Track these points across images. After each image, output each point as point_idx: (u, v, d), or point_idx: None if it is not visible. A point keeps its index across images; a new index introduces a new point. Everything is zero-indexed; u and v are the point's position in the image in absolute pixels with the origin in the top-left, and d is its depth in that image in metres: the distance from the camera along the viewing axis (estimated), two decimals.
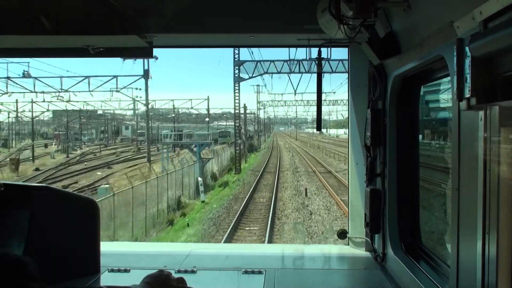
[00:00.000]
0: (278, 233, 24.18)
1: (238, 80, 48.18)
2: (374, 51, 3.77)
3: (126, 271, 4.00)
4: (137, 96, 58.63)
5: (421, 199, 4.07)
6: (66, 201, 3.90)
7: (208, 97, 67.07)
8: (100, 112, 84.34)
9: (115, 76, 51.96)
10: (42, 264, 1.75)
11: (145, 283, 2.04)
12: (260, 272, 4.01)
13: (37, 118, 79.34)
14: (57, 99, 59.38)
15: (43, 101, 61.80)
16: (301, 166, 55.05)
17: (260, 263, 4.22)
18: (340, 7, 3.19)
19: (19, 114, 72.44)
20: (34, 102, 63.75)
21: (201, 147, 47.82)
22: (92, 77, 51.80)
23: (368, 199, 4.26)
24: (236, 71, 47.21)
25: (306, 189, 35.25)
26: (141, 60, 47.35)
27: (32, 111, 68.04)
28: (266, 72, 47.12)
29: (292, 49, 36.33)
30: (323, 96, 69.05)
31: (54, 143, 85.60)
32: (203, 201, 34.77)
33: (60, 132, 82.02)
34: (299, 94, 66.41)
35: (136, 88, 55.41)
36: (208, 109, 68.55)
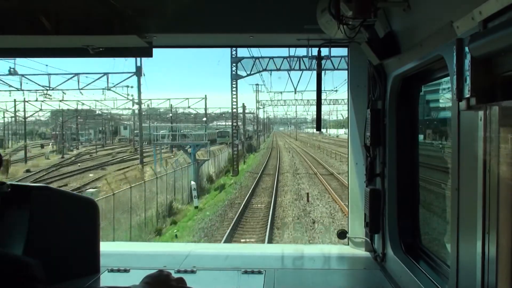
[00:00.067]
0: None
1: (235, 77, 46.36)
2: (373, 51, 3.77)
3: (125, 271, 4.00)
4: (129, 95, 56.35)
5: (420, 199, 4.08)
6: (65, 201, 3.90)
7: (205, 96, 65.19)
8: (98, 112, 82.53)
9: (106, 74, 49.67)
10: (41, 264, 1.75)
11: (144, 283, 2.04)
12: (259, 272, 4.01)
13: (31, 118, 78.11)
14: (45, 98, 57.34)
15: (36, 100, 60.09)
16: (301, 168, 52.99)
17: (259, 263, 4.22)
18: (340, 7, 3.19)
19: (15, 114, 70.86)
20: (27, 101, 62.34)
21: (195, 148, 45.49)
22: (81, 74, 49.38)
23: (367, 199, 4.26)
24: (234, 68, 45.43)
25: (307, 194, 32.91)
26: None
27: (25, 111, 66.35)
28: (265, 69, 45.17)
29: (292, 48, 35.85)
30: (324, 96, 68.19)
31: (51, 144, 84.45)
32: (196, 207, 32.91)
33: (58, 132, 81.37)
34: (299, 92, 64.67)
35: (127, 86, 53.33)
36: (205, 109, 66.98)
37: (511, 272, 2.17)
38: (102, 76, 49.49)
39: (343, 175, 38.39)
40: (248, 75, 45.75)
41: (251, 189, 36.63)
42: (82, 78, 49.08)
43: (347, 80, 4.80)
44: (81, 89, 50.15)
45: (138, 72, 47.00)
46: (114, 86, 50.64)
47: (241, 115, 72.17)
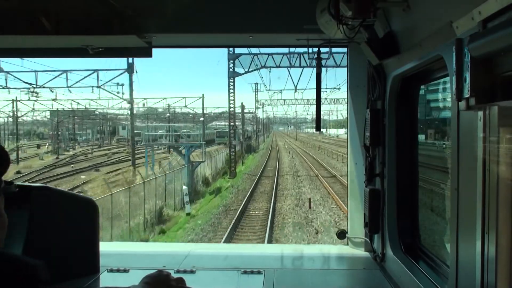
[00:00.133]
0: None
1: (233, 75, 43.81)
2: (373, 51, 3.77)
3: (125, 271, 4.00)
4: (122, 93, 52.12)
5: (420, 199, 4.08)
6: (65, 201, 3.90)
7: (203, 95, 61.53)
8: (96, 112, 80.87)
9: (96, 70, 46.45)
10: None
11: (144, 283, 2.04)
12: (259, 272, 4.01)
13: (28, 118, 76.80)
14: (32, 96, 54.69)
15: (28, 99, 57.71)
16: (302, 169, 50.46)
17: (259, 263, 4.22)
18: (339, 7, 3.19)
19: (13, 114, 68.75)
20: (19, 100, 60.26)
21: (190, 149, 43.14)
22: (70, 71, 46.13)
23: (367, 199, 4.27)
24: (231, 66, 42.94)
25: (309, 199, 30.44)
26: None
27: (16, 110, 64.04)
28: (264, 66, 42.69)
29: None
30: (325, 95, 67.14)
31: (47, 144, 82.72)
32: (188, 214, 30.41)
33: (55, 132, 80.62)
34: (300, 91, 62.90)
35: (118, 84, 48.94)
36: (203, 108, 65.83)
37: (511, 272, 2.17)
38: (92, 73, 46.83)
39: (346, 177, 35.41)
40: (246, 72, 43.55)
41: (248, 193, 34.29)
42: (71, 75, 46.90)
43: (346, 80, 4.81)
44: (70, 87, 47.82)
45: (130, 69, 44.61)
46: (104, 84, 48.08)
47: (240, 115, 71.69)
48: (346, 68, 4.75)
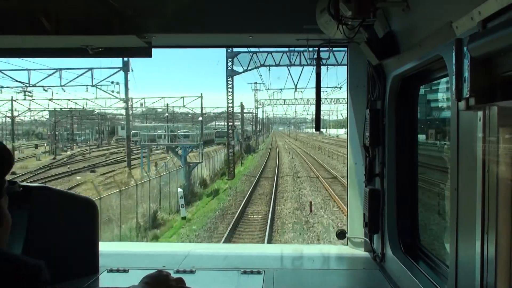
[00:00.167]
0: None
1: (231, 73, 42.53)
2: (373, 51, 3.77)
3: (125, 271, 4.00)
4: (117, 92, 49.68)
5: (419, 199, 4.08)
6: (65, 201, 3.90)
7: (201, 94, 60.96)
8: (96, 111, 79.66)
9: (90, 69, 44.78)
10: None
11: (144, 283, 2.04)
12: (259, 272, 4.01)
13: (26, 118, 75.93)
14: (25, 95, 52.85)
15: (24, 99, 56.17)
16: (302, 170, 49.32)
17: (259, 263, 4.22)
18: (339, 7, 3.19)
19: (12, 114, 67.77)
20: (14, 100, 59.08)
21: (187, 150, 41.58)
22: (64, 69, 44.85)
23: (367, 199, 4.27)
24: (229, 64, 41.59)
25: (310, 202, 29.16)
26: None
27: (12, 110, 62.58)
28: (263, 65, 41.30)
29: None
30: (325, 94, 66.49)
31: (45, 144, 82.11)
32: (183, 218, 29.15)
33: (58, 133, 79.72)
34: (300, 90, 61.65)
35: (112, 82, 47.03)
36: (201, 108, 64.40)
37: (510, 272, 2.17)
38: (87, 71, 45.12)
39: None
40: (245, 70, 42.25)
41: (247, 196, 33.16)
42: (65, 74, 45.99)
43: (346, 80, 4.81)
44: (64, 85, 46.14)
45: (125, 67, 43.32)
46: (99, 83, 46.37)
47: (239, 114, 71.24)
48: (347, 67, 4.75)
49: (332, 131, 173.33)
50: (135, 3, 4.06)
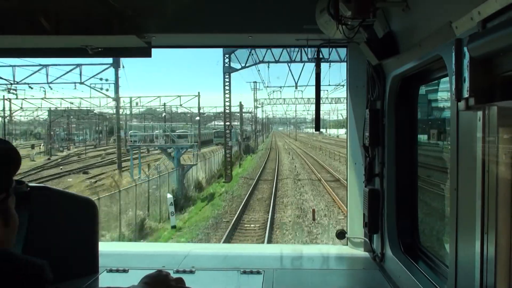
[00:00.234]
0: None
1: (228, 70, 40.10)
2: (372, 51, 3.77)
3: (124, 271, 4.00)
4: (102, 89, 47.65)
5: (419, 199, 4.08)
6: (65, 201, 3.90)
7: (198, 93, 59.21)
8: (95, 111, 78.36)
9: (79, 65, 42.56)
10: None
11: (143, 283, 2.04)
12: (258, 272, 4.01)
13: (23, 117, 74.73)
14: (9, 93, 50.99)
15: (16, 98, 54.79)
16: (303, 173, 46.99)
17: (258, 263, 4.22)
18: (339, 7, 3.19)
19: (10, 114, 66.03)
20: (6, 99, 57.95)
21: (180, 151, 38.93)
22: (50, 66, 42.32)
23: (366, 199, 4.27)
24: (226, 60, 39.36)
25: (313, 210, 26.63)
26: None
27: (4, 109, 61.59)
28: (262, 61, 39.92)
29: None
30: (326, 94, 65.73)
31: (42, 144, 79.63)
32: (173, 227, 26.55)
33: (53, 133, 78.51)
34: (300, 89, 59.66)
35: (101, 79, 45.04)
36: (198, 107, 62.68)
37: (510, 272, 2.17)
38: (75, 67, 42.90)
39: None
40: (242, 67, 40.22)
41: (244, 201, 30.74)
42: (52, 70, 43.78)
43: (346, 80, 4.81)
44: (51, 83, 44.10)
45: (116, 63, 41.03)
46: (87, 80, 44.60)
47: (238, 114, 70.75)
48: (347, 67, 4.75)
49: (332, 131, 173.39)
50: (135, 3, 4.06)
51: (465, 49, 2.20)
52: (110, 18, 3.90)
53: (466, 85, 2.19)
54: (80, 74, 43.81)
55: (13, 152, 1.72)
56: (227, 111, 43.87)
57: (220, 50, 40.19)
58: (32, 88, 47.81)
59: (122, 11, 3.92)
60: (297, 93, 66.44)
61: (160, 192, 30.21)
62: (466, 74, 2.20)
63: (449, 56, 2.42)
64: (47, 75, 43.00)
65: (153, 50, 4.41)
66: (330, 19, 3.33)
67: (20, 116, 74.58)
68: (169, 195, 28.76)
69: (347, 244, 4.84)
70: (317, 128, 4.93)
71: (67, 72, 43.12)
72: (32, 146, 79.33)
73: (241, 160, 62.64)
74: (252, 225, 25.22)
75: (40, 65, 42.31)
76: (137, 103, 68.31)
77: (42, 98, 55.89)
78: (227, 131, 44.37)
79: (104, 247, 4.21)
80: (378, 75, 4.10)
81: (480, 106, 2.20)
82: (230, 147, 44.58)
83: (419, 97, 4.02)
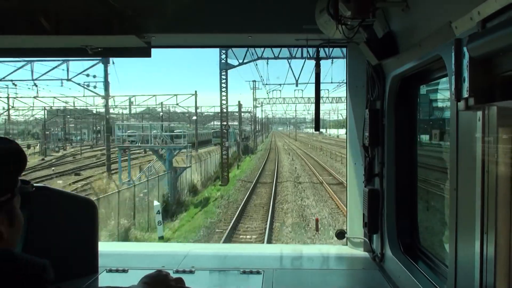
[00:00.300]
0: None
1: (225, 67, 38.59)
2: (372, 51, 3.77)
3: (124, 271, 4.00)
4: (89, 86, 45.06)
5: (418, 200, 4.08)
6: (64, 201, 3.91)
7: (195, 92, 57.29)
8: (94, 111, 77.64)
9: (66, 60, 39.98)
10: None
11: (143, 283, 2.04)
12: (258, 272, 4.01)
13: (19, 116, 73.57)
14: None
15: (7, 97, 53.35)
16: (304, 175, 44.61)
17: (258, 263, 4.22)
18: (339, 7, 3.19)
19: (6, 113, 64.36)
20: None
21: (172, 153, 36.40)
22: (36, 61, 40.16)
23: (366, 199, 4.27)
24: (223, 57, 37.70)
25: (317, 220, 24.44)
26: None
27: None
28: (261, 58, 38.19)
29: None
30: (326, 94, 65.01)
31: (39, 144, 78.28)
32: (161, 237, 24.33)
33: (49, 132, 77.60)
34: (301, 87, 58.96)
35: (88, 75, 42.11)
36: (195, 106, 59.27)
37: (510, 272, 2.17)
38: (62, 63, 40.43)
39: None
40: (240, 64, 38.53)
41: (240, 208, 28.56)
42: (37, 66, 41.33)
43: (345, 80, 4.81)
44: (36, 79, 42.08)
45: (105, 59, 38.57)
46: (75, 76, 42.08)
47: (237, 114, 70.21)
48: (346, 67, 4.75)
49: (332, 131, 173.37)
50: (135, 3, 4.06)
51: (465, 49, 2.20)
52: (110, 18, 3.91)
53: (466, 85, 2.19)
54: (68, 71, 41.65)
55: (18, 151, 1.71)
56: (224, 110, 42.20)
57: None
58: (16, 85, 46.12)
59: (122, 11, 3.92)
60: (297, 92, 65.82)
61: (149, 198, 28.08)
62: (466, 74, 2.20)
63: (448, 56, 2.42)
64: (32, 71, 40.95)
65: (153, 50, 4.42)
66: (330, 19, 3.33)
67: (14, 115, 73.49)
68: (156, 203, 26.12)
69: (346, 244, 4.84)
70: (317, 128, 4.93)
71: (53, 68, 41.24)
72: (28, 146, 78.82)
73: (240, 161, 61.29)
74: (248, 236, 23.58)
75: (24, 60, 39.96)
76: (132, 102, 66.79)
77: (34, 97, 54.04)
78: (224, 131, 42.57)
79: (104, 247, 4.21)
80: (378, 75, 4.10)
81: (479, 106, 2.20)
82: (227, 147, 42.78)
83: (419, 97, 4.02)
